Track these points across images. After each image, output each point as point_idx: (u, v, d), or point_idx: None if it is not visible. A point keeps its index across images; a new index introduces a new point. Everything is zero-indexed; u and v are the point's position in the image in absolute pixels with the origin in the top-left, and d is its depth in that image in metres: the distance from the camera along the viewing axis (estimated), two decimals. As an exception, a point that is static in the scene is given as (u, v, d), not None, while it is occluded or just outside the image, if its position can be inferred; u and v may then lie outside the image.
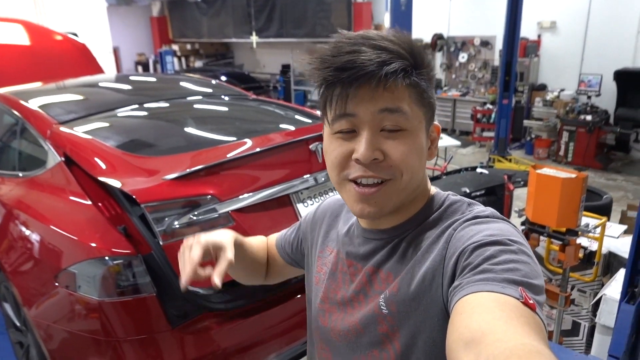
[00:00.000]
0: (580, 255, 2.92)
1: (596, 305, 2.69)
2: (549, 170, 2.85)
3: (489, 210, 0.76)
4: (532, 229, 2.83)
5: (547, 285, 2.98)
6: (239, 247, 0.94)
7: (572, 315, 3.06)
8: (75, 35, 4.91)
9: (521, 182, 3.83)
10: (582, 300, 3.10)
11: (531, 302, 0.58)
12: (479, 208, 0.77)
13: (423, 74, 0.72)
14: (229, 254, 0.84)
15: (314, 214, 1.02)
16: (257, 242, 1.10)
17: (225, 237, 0.89)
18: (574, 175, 2.70)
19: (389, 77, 0.67)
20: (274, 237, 1.12)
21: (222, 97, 3.00)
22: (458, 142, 6.19)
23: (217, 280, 0.79)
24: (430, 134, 0.78)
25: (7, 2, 6.36)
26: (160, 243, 1.72)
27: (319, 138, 2.12)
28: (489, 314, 0.55)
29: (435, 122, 0.79)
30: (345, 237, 0.89)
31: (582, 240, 2.91)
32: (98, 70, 4.49)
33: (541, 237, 3.05)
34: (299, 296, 2.02)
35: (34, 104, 2.46)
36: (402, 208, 0.78)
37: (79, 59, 4.41)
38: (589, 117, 6.75)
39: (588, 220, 2.91)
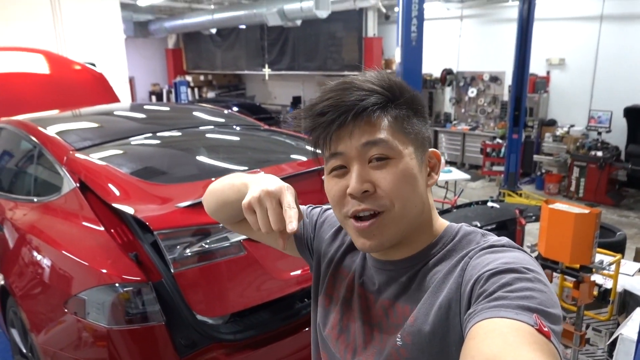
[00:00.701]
0: (595, 292, 2.87)
1: (612, 345, 2.61)
2: (561, 206, 2.82)
3: (505, 239, 0.75)
4: (545, 265, 2.78)
5: (562, 324, 2.91)
6: None
7: (587, 355, 2.97)
8: (94, 65, 5.03)
9: (533, 217, 3.80)
10: (598, 340, 3.02)
11: (546, 329, 0.57)
12: (494, 237, 0.77)
13: (401, 104, 0.75)
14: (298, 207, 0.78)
15: (327, 220, 0.99)
16: None
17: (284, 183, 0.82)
18: (587, 211, 2.67)
19: (365, 112, 0.71)
20: None
21: (235, 127, 3.04)
22: (468, 176, 6.18)
23: (294, 225, 0.74)
24: (429, 161, 0.80)
25: (30, 32, 6.58)
26: (172, 271, 1.71)
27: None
28: (502, 339, 0.54)
29: (434, 150, 0.81)
30: (360, 266, 0.88)
31: (597, 278, 2.85)
32: (114, 99, 4.59)
33: (554, 274, 3.00)
34: (306, 329, 1.99)
35: (51, 130, 2.50)
36: (408, 239, 0.78)
37: (97, 88, 4.52)
38: (599, 153, 6.73)
39: (602, 257, 2.87)
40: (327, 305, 0.91)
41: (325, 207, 1.03)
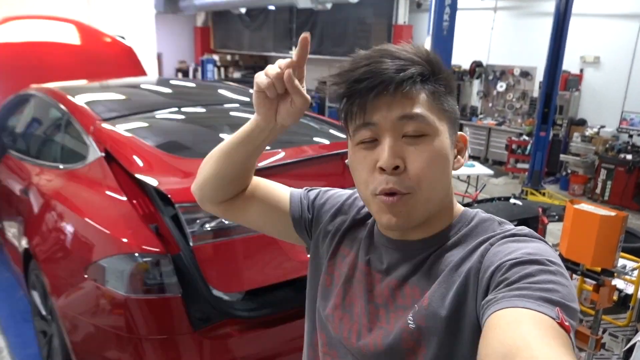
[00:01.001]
0: (615, 297, 2.81)
1: (629, 352, 2.56)
2: (586, 207, 2.76)
3: (527, 229, 0.74)
4: (565, 266, 2.73)
5: (578, 326, 2.86)
6: (276, 134, 0.86)
7: (601, 360, 2.92)
8: (123, 38, 5.07)
9: (556, 217, 3.73)
10: (614, 346, 2.97)
11: (567, 323, 0.56)
12: (511, 226, 0.76)
13: (441, 80, 0.73)
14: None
15: (326, 200, 0.96)
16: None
17: None
18: (613, 214, 2.61)
19: (406, 83, 0.68)
20: (275, 189, 0.99)
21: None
22: (491, 172, 6.08)
23: (290, 73, 0.74)
24: (457, 144, 0.78)
25: (61, 2, 6.65)
26: (191, 244, 1.73)
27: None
28: (525, 331, 0.53)
29: (461, 132, 0.79)
30: (365, 244, 0.86)
31: (618, 282, 2.80)
32: (142, 73, 4.63)
33: (574, 275, 2.95)
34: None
35: (80, 99, 2.54)
36: (429, 220, 0.76)
37: (125, 61, 4.56)
38: (629, 157, 6.54)
39: (625, 262, 2.80)
40: (328, 285, 0.89)
41: (325, 189, 0.99)
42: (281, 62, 0.77)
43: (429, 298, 0.72)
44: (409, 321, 0.73)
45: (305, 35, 0.75)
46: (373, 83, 0.68)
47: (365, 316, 0.80)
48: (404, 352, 0.74)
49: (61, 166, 2.32)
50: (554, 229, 4.48)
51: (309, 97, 0.78)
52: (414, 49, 0.72)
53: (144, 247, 1.70)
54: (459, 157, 0.78)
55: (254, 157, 0.91)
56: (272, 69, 0.77)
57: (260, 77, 0.78)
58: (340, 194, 0.97)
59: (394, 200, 0.71)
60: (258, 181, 0.99)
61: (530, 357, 0.50)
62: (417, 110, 0.70)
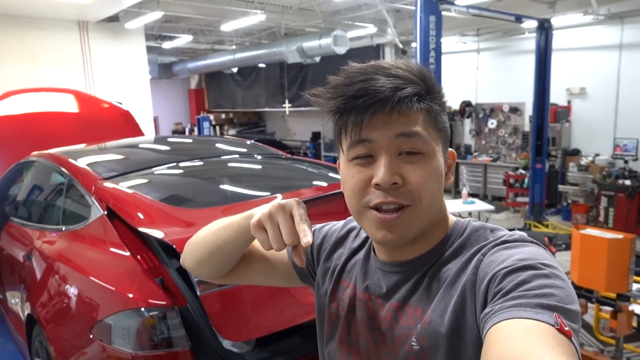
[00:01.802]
0: (634, 324, 2.74)
1: (656, 379, 2.46)
2: (593, 231, 2.74)
3: (518, 233, 0.73)
4: (578, 294, 2.69)
5: (599, 356, 2.77)
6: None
7: (629, 390, 2.81)
8: (120, 103, 5.21)
9: (562, 245, 3.69)
10: (639, 375, 2.85)
11: (567, 329, 0.54)
12: (505, 232, 0.75)
13: (436, 98, 0.73)
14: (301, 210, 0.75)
15: (323, 237, 0.95)
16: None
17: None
18: (621, 236, 2.59)
19: (403, 101, 0.68)
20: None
21: (256, 156, 3.08)
22: (492, 207, 6.08)
23: (309, 237, 0.70)
24: (447, 160, 0.78)
25: (61, 74, 6.88)
26: (198, 294, 1.70)
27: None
28: (523, 344, 0.52)
29: (450, 149, 0.79)
30: (361, 271, 0.85)
31: (635, 308, 2.73)
32: (140, 134, 4.72)
33: (589, 304, 2.88)
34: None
35: (81, 162, 2.57)
36: (422, 237, 0.76)
37: (124, 125, 4.66)
38: (628, 182, 6.57)
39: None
40: (335, 320, 0.87)
41: (319, 226, 0.98)
42: (298, 217, 0.73)
43: (430, 316, 0.71)
44: (413, 343, 0.72)
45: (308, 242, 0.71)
46: (370, 101, 0.68)
47: (372, 343, 0.79)
48: None
49: (63, 228, 2.32)
50: (562, 259, 4.43)
51: (304, 262, 0.75)
52: (407, 66, 0.72)
53: (150, 300, 1.67)
54: (449, 174, 0.78)
55: (248, 243, 0.90)
56: (285, 222, 0.74)
57: (270, 221, 0.75)
58: (334, 227, 0.96)
59: (392, 217, 0.70)
60: (252, 244, 0.95)
61: None
62: (414, 128, 0.70)
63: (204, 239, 0.92)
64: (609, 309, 2.60)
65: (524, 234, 0.73)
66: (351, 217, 0.91)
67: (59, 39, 7.00)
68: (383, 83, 0.68)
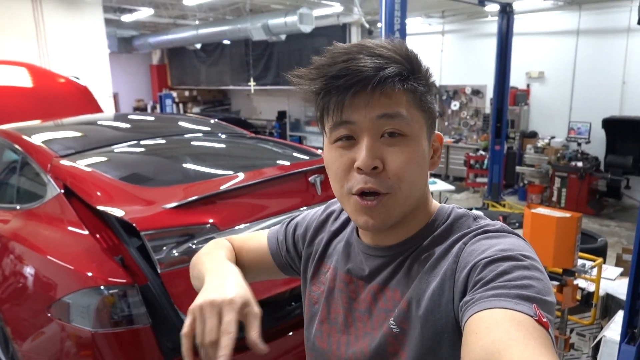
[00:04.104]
0: (578, 297, 2.91)
1: (596, 348, 2.64)
2: (543, 210, 2.88)
3: (499, 224, 0.73)
4: (528, 269, 2.82)
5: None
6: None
7: None
8: (78, 78, 5.02)
9: (516, 224, 3.86)
10: (582, 345, 3.05)
11: (544, 320, 0.56)
12: (487, 221, 0.75)
13: (420, 78, 0.71)
14: (255, 308, 0.70)
15: (304, 225, 0.97)
16: (230, 250, 0.97)
17: (242, 288, 0.72)
18: (568, 215, 2.73)
19: (385, 81, 0.66)
20: (249, 239, 1.01)
21: (220, 135, 3.05)
22: (452, 187, 6.25)
23: (260, 344, 0.67)
24: (433, 143, 0.76)
25: (12, 46, 6.54)
26: (159, 271, 1.70)
27: (318, 171, 2.15)
28: (505, 334, 0.53)
29: (437, 132, 0.78)
30: (344, 253, 0.85)
31: (580, 282, 2.90)
32: (99, 111, 4.57)
33: (538, 278, 3.03)
34: (292, 333, 1.98)
35: (36, 139, 2.49)
36: (405, 221, 0.75)
37: (81, 101, 4.50)
38: (579, 164, 6.88)
39: (584, 261, 2.92)
40: (315, 303, 0.89)
41: (301, 215, 0.99)
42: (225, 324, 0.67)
43: (408, 300, 0.72)
44: (392, 325, 0.73)
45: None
46: (351, 81, 0.66)
47: (352, 325, 0.80)
48: (389, 356, 0.74)
49: (18, 207, 2.25)
50: (517, 237, 4.63)
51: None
52: (392, 45, 0.70)
53: (110, 279, 1.66)
54: (434, 157, 0.77)
55: None
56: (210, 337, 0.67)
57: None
58: (315, 214, 0.96)
59: (372, 204, 0.70)
60: (239, 245, 0.99)
61: None
62: (397, 109, 0.68)
63: (194, 266, 0.96)
64: (555, 283, 2.75)
65: (504, 225, 0.73)
66: (332, 200, 0.93)
67: (10, 8, 6.63)
68: (365, 62, 0.66)
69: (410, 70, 0.70)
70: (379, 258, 0.79)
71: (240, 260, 0.98)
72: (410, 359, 0.71)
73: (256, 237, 1.03)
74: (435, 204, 0.81)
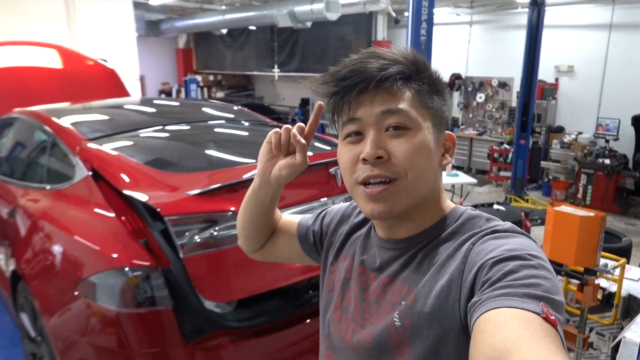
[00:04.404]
0: (599, 296, 2.87)
1: (615, 348, 2.61)
2: (567, 208, 2.83)
3: (508, 224, 0.75)
4: (549, 267, 2.79)
5: (565, 326, 2.91)
6: (280, 192, 0.97)
7: (590, 359, 2.97)
8: (105, 61, 5.10)
9: (538, 220, 3.81)
10: (601, 344, 3.01)
11: (552, 318, 0.57)
12: (499, 222, 0.76)
13: (424, 78, 0.75)
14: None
15: (331, 215, 1.02)
16: (277, 214, 1.08)
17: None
18: (592, 214, 2.68)
19: (387, 80, 0.72)
20: (290, 220, 1.09)
21: (243, 122, 3.08)
22: (474, 180, 6.18)
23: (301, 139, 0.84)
24: (444, 143, 0.80)
25: (44, 28, 6.67)
26: (181, 256, 1.74)
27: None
28: (513, 332, 0.54)
29: (449, 132, 0.81)
30: (361, 245, 0.89)
31: (601, 281, 2.85)
32: (125, 94, 4.65)
33: (558, 276, 3.00)
34: (309, 320, 2.01)
35: (65, 121, 2.55)
36: (416, 215, 0.78)
37: (108, 83, 4.58)
38: (607, 161, 6.71)
39: (607, 261, 2.87)
40: (330, 290, 0.92)
41: (331, 206, 1.06)
42: (297, 125, 0.86)
43: (414, 296, 0.73)
44: (395, 318, 0.75)
45: (320, 103, 0.82)
46: (356, 80, 0.72)
47: (359, 314, 0.83)
48: (392, 347, 0.75)
49: (48, 187, 2.33)
50: (538, 233, 4.56)
51: (308, 159, 0.86)
52: (401, 51, 0.76)
53: (134, 261, 1.72)
54: (446, 155, 0.80)
55: (265, 212, 1.00)
56: (286, 128, 0.87)
57: (274, 131, 0.87)
58: (342, 206, 1.01)
59: (376, 191, 0.73)
60: (278, 226, 1.08)
61: (521, 359, 0.51)
62: (399, 105, 0.73)
63: (239, 214, 1.05)
64: (576, 282, 2.72)
65: (514, 225, 0.74)
66: None
67: (42, -9, 6.75)
68: (371, 64, 0.73)
69: (415, 71, 0.75)
70: (390, 250, 0.81)
71: (275, 231, 1.07)
72: (414, 355, 0.72)
73: (293, 218, 1.10)
74: (449, 203, 0.83)
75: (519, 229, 0.74)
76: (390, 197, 0.74)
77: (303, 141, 0.84)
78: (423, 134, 0.74)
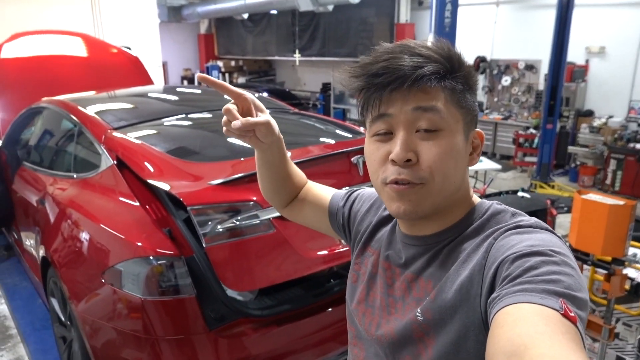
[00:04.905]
0: (627, 286, 2.80)
1: (643, 340, 2.56)
2: (595, 196, 2.76)
3: (533, 219, 0.73)
4: (575, 257, 2.74)
5: (590, 316, 2.86)
6: (280, 143, 0.97)
7: (616, 349, 2.92)
8: (129, 48, 5.15)
9: (564, 208, 3.73)
10: (628, 335, 2.96)
11: (572, 314, 0.56)
12: (523, 217, 0.75)
13: (459, 77, 0.73)
14: (270, 119, 0.89)
15: (362, 201, 1.01)
16: (298, 171, 1.09)
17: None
18: (622, 202, 2.61)
19: (422, 79, 0.70)
20: (323, 193, 1.09)
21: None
22: (499, 166, 6.08)
23: (238, 122, 0.82)
24: (473, 140, 0.78)
25: (68, 16, 6.76)
26: (204, 245, 1.77)
27: (360, 151, 2.15)
28: (532, 327, 0.53)
29: (478, 129, 0.79)
30: (387, 240, 0.89)
31: (629, 271, 2.79)
32: (149, 81, 4.69)
33: (585, 266, 2.95)
34: (330, 309, 2.03)
35: (91, 110, 2.60)
36: (441, 213, 0.77)
37: (132, 71, 4.63)
38: (639, 146, 6.50)
39: (636, 250, 2.80)
40: (354, 282, 0.93)
41: (362, 189, 1.05)
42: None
43: (437, 291, 0.73)
44: (417, 313, 0.75)
45: (200, 75, 0.87)
46: (389, 79, 0.70)
47: (385, 309, 0.83)
48: (416, 341, 0.76)
49: (75, 175, 2.38)
50: (564, 221, 4.47)
51: (263, 118, 0.88)
52: (435, 45, 0.73)
53: (158, 250, 1.75)
54: (474, 154, 0.79)
55: (276, 170, 1.02)
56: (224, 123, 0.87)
57: (225, 127, 0.88)
58: (373, 192, 1.00)
59: (404, 188, 0.72)
60: (310, 186, 1.11)
61: (538, 355, 0.50)
62: (433, 103, 0.71)
63: (258, 178, 1.07)
64: (603, 271, 2.66)
65: (539, 221, 0.73)
66: None
67: (66, -21, 6.82)
68: (405, 61, 0.70)
69: (449, 69, 0.72)
70: (414, 247, 0.81)
71: (305, 195, 1.09)
72: (436, 349, 0.73)
73: (325, 190, 1.11)
74: (475, 198, 0.82)
75: (543, 224, 0.72)
76: (416, 197, 0.73)
77: (250, 122, 0.85)
78: (454, 136, 0.73)
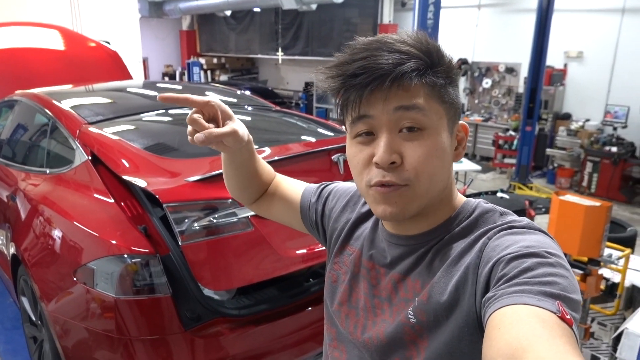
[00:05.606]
0: (602, 286, 2.85)
1: (617, 339, 2.60)
2: (572, 198, 2.80)
3: (525, 220, 0.72)
4: (552, 256, 2.77)
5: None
6: (249, 145, 0.92)
7: (591, 349, 2.97)
8: (108, 43, 5.04)
9: (542, 209, 3.78)
10: (602, 334, 3.01)
11: (568, 317, 0.55)
12: (513, 217, 0.74)
13: (440, 72, 0.70)
14: (238, 127, 0.83)
15: (337, 197, 0.98)
16: (266, 166, 1.05)
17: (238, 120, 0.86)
18: (598, 204, 2.65)
19: (402, 77, 0.67)
20: (294, 187, 1.06)
21: (246, 107, 3.04)
22: (478, 167, 6.14)
23: (201, 135, 0.77)
24: (457, 134, 0.76)
25: (45, 9, 6.60)
26: (180, 243, 1.73)
27: (341, 149, 2.13)
28: (530, 330, 0.53)
29: (462, 122, 0.77)
30: (368, 239, 0.86)
31: (605, 272, 2.84)
32: (128, 77, 4.60)
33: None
34: (309, 309, 2.01)
35: (65, 104, 2.53)
36: (427, 213, 0.76)
37: (111, 66, 4.54)
38: (614, 149, 6.64)
39: (611, 251, 2.85)
40: (334, 282, 0.90)
41: (336, 184, 1.02)
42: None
43: (429, 292, 0.72)
44: (410, 315, 0.73)
45: (160, 96, 0.80)
46: (368, 79, 0.67)
47: (370, 310, 0.81)
48: (406, 343, 0.74)
49: (48, 171, 2.31)
50: (542, 222, 4.54)
51: (229, 128, 0.82)
52: (412, 39, 0.70)
53: (133, 248, 1.71)
54: (459, 148, 0.77)
55: (244, 169, 0.97)
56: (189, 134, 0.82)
57: (190, 135, 0.82)
58: (348, 187, 0.98)
59: (389, 190, 0.70)
60: (280, 180, 1.07)
61: (536, 358, 0.50)
62: (414, 101, 0.68)
63: (224, 175, 1.03)
64: (579, 272, 2.70)
65: (531, 221, 0.72)
66: None
67: (44, -30, 6.65)
68: (383, 60, 0.67)
69: (429, 64, 0.70)
70: (400, 247, 0.79)
71: (275, 190, 1.05)
72: (429, 351, 0.71)
73: (296, 185, 1.06)
74: (460, 197, 0.80)
75: (536, 225, 0.72)
76: (401, 199, 0.71)
77: (216, 133, 0.80)
78: (438, 133, 0.71)
